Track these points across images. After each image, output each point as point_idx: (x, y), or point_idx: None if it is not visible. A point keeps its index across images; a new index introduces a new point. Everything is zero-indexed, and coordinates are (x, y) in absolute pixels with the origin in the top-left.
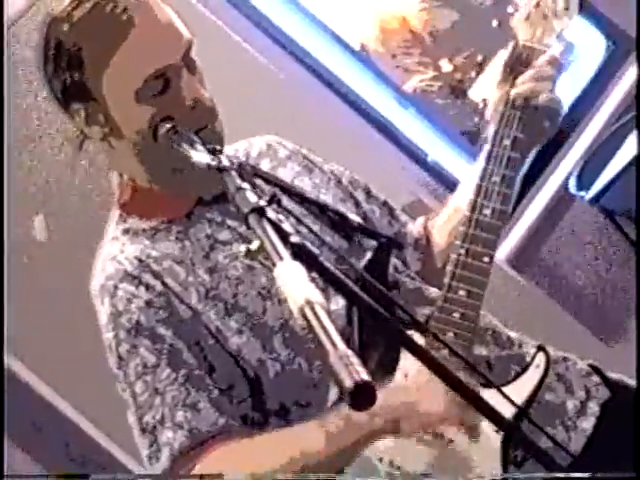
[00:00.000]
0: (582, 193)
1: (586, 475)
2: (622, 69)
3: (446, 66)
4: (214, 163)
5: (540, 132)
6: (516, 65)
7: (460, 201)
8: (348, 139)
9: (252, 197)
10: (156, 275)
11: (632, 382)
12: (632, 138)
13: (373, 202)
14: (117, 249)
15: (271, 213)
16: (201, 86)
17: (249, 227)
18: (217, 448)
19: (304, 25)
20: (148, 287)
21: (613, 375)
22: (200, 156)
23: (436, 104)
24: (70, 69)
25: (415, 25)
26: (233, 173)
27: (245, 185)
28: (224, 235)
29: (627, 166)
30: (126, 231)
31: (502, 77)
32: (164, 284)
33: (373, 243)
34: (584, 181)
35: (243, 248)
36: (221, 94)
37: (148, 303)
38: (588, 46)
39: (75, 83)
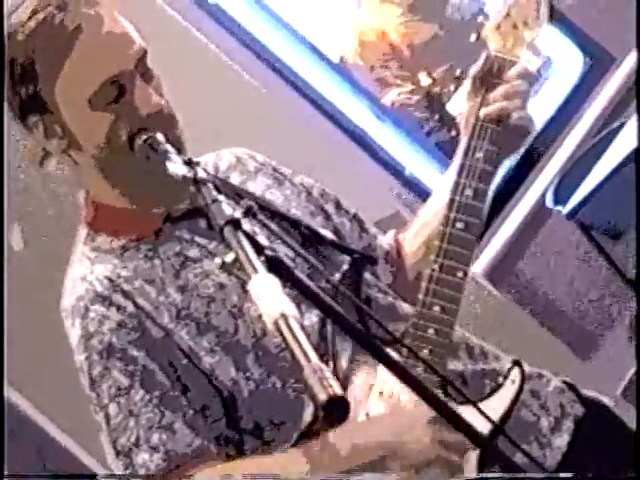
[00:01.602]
0: (559, 207)
1: (569, 475)
2: (600, 84)
3: (424, 79)
4: (190, 175)
5: (511, 146)
6: (487, 76)
7: (429, 214)
8: (326, 151)
9: (227, 209)
10: (127, 295)
11: (606, 399)
12: (609, 153)
13: (343, 215)
14: (87, 269)
15: (246, 225)
16: (157, 93)
17: (224, 239)
18: (193, 470)
19: (283, 37)
20: (119, 308)
21: (587, 392)
22: (176, 167)
23: (414, 117)
24: (25, 82)
25: (394, 38)
26: (209, 185)
27: (221, 197)
28: (193, 252)
29: (604, 181)
30: (95, 249)
31: (472, 88)
32: (135, 304)
33: (346, 259)
34: (561, 195)
35: (218, 260)
36: (197, 105)
37: (120, 324)
38: (566, 61)
39: (30, 96)
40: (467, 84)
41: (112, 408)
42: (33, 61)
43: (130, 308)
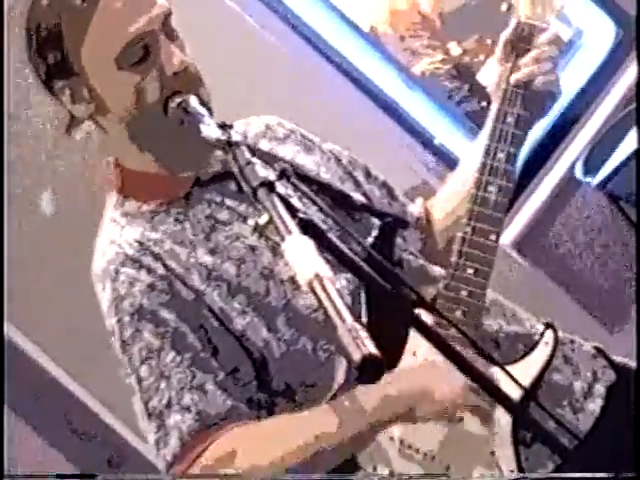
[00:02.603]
0: (588, 178)
1: (589, 475)
2: (631, 56)
3: (455, 49)
4: (224, 138)
5: (541, 110)
6: (517, 42)
7: (459, 182)
8: (355, 121)
9: (261, 171)
10: (157, 257)
11: (635, 365)
12: None
13: (372, 182)
14: (117, 232)
15: (280, 188)
16: (183, 53)
17: (258, 201)
18: (225, 431)
19: (314, 6)
20: (150, 270)
21: (617, 358)
22: (210, 130)
23: (444, 87)
24: (51, 47)
25: (424, 7)
26: (243, 147)
27: (255, 159)
28: (224, 215)
29: (634, 152)
30: (124, 214)
31: (502, 54)
32: (166, 266)
33: (377, 222)
34: (591, 166)
35: (251, 222)
36: (226, 71)
37: (150, 286)
38: (597, 32)
39: (57, 61)
40: (498, 50)
41: (143, 370)
42: (59, 25)
43: (160, 270)
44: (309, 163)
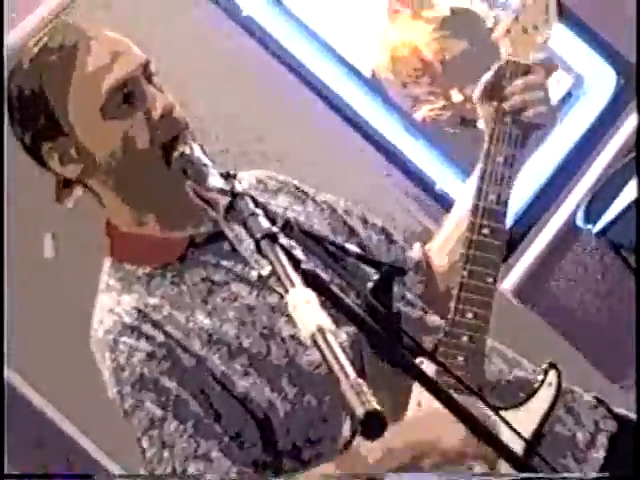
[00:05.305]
0: (589, 226)
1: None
2: (632, 103)
3: (456, 96)
4: (228, 187)
5: (529, 139)
6: (500, 81)
7: (454, 223)
8: (357, 166)
9: (265, 223)
10: (156, 324)
11: (635, 416)
12: None
13: (370, 229)
14: (114, 300)
15: (283, 239)
16: (164, 96)
17: (260, 252)
18: None
19: (316, 52)
20: (148, 338)
21: (617, 409)
22: (213, 180)
23: (445, 133)
24: (37, 110)
25: (426, 54)
26: (247, 198)
27: (258, 210)
28: (220, 276)
29: (635, 200)
30: (120, 279)
31: (483, 94)
32: (165, 333)
33: (374, 273)
34: (591, 214)
35: (254, 274)
36: (230, 118)
37: (150, 355)
38: (598, 80)
39: (42, 123)
40: (476, 90)
41: (145, 441)
42: (42, 86)
43: (160, 338)
44: (301, 215)
